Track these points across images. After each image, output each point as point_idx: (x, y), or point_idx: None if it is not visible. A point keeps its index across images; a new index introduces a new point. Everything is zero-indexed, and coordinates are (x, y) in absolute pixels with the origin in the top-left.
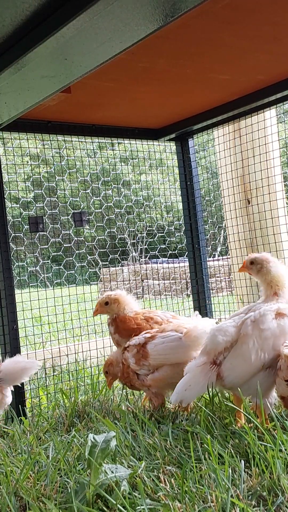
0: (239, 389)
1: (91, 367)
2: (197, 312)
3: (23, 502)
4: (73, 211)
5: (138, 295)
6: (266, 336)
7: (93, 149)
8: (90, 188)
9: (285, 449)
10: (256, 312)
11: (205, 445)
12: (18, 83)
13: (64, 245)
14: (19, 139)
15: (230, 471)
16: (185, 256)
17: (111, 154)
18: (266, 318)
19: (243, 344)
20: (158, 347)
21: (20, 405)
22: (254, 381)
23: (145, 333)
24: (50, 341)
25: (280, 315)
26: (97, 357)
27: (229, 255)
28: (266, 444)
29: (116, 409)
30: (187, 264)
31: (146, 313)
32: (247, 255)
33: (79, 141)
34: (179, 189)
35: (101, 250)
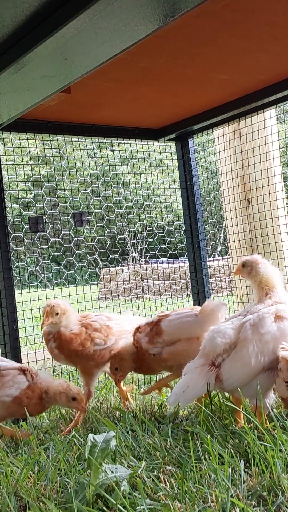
0: (239, 390)
1: None
2: (129, 309)
3: (23, 502)
4: (73, 211)
5: (138, 295)
6: (267, 340)
7: (93, 149)
8: (90, 188)
9: (285, 449)
10: (255, 315)
11: (205, 445)
12: (18, 83)
13: (64, 245)
14: (19, 139)
15: (230, 471)
16: (185, 256)
17: (111, 155)
18: (266, 322)
19: (243, 348)
20: (172, 323)
21: None
22: (253, 383)
23: (159, 313)
24: None
25: (279, 318)
26: None
27: (229, 255)
28: (266, 444)
29: (116, 409)
30: (187, 264)
31: (83, 320)
32: (247, 255)
33: (79, 141)
34: (179, 189)
35: (101, 250)
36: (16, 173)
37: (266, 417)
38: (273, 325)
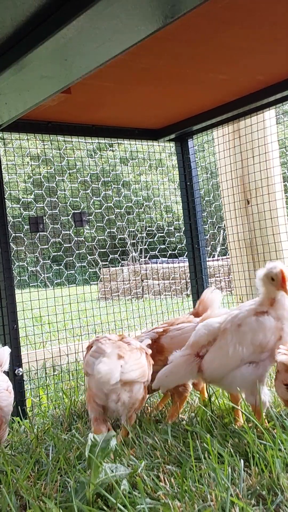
0: (238, 389)
1: None
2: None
3: (23, 501)
4: (73, 211)
5: (138, 295)
6: (244, 330)
7: (93, 149)
8: (90, 188)
9: (285, 448)
10: (238, 310)
11: (204, 444)
12: (18, 84)
13: (64, 245)
14: (20, 139)
15: (230, 470)
16: (185, 256)
17: (111, 155)
18: (244, 314)
19: (221, 339)
20: (175, 339)
21: (20, 405)
22: (236, 375)
23: (154, 329)
24: (50, 341)
25: (260, 313)
26: None
27: (228, 255)
28: (265, 443)
29: None
30: (187, 264)
31: None
32: (246, 255)
33: (79, 142)
34: (179, 189)
35: (101, 250)
36: (16, 173)
37: (265, 416)
38: (252, 318)
